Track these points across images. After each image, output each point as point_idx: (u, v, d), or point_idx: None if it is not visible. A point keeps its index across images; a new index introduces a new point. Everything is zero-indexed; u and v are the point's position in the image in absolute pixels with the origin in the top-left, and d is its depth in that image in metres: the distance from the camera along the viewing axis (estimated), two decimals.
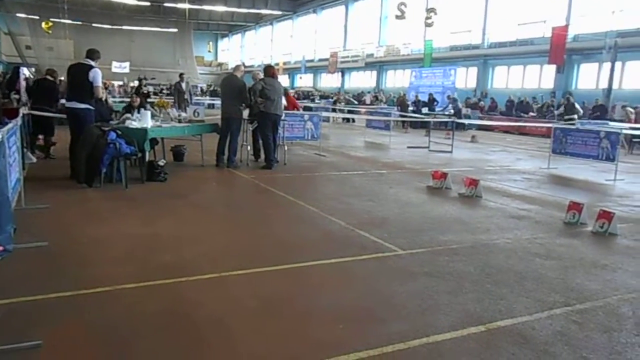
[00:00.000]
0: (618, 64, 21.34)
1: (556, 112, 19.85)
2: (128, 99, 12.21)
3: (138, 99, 10.27)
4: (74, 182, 7.35)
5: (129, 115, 8.59)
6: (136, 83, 31.48)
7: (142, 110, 8.73)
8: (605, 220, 5.89)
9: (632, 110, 18.31)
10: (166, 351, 2.95)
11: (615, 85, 21.30)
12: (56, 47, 41.74)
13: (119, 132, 7.42)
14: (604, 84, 21.76)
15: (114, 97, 23.01)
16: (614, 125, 14.40)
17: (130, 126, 7.88)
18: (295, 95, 23.29)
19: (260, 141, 10.02)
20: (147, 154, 8.03)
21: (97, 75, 7.55)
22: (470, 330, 3.32)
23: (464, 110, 23.15)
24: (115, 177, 7.47)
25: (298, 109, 12.94)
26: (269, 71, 9.97)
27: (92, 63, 7.62)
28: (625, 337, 3.34)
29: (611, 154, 10.14)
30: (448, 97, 24.43)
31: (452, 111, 21.37)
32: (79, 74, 7.60)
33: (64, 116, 9.21)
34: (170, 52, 54.58)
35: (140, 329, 3.19)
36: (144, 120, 8.10)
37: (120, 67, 47.60)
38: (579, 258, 4.95)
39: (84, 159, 7.14)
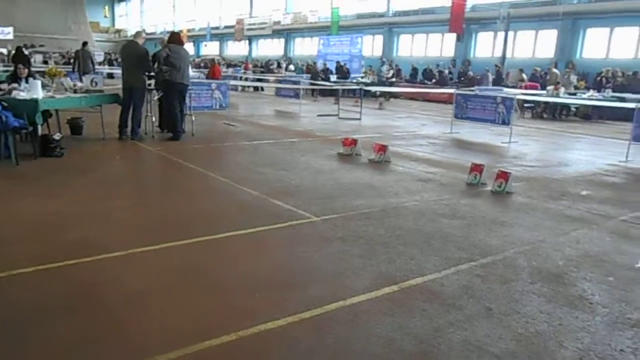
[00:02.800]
0: (511, 34, 22.69)
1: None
2: (12, 68, 11.09)
3: (26, 70, 9.37)
4: None
5: (15, 85, 7.81)
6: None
7: (30, 79, 7.98)
8: (503, 180, 6.31)
9: (525, 76, 19.61)
10: (75, 333, 2.77)
11: (508, 54, 22.69)
12: None
13: (5, 104, 6.74)
14: (498, 53, 23.09)
15: None
16: (508, 91, 15.35)
17: (18, 97, 7.18)
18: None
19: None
20: (39, 127, 7.39)
21: None
22: (384, 291, 3.44)
23: (371, 79, 23.59)
24: (4, 153, 6.81)
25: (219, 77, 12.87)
26: (175, 37, 9.49)
27: None
28: (521, 286, 3.63)
29: (506, 118, 10.82)
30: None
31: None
32: None
33: None
34: (61, 17, 50.12)
35: (42, 314, 2.96)
36: (33, 91, 7.41)
37: (2, 32, 43.08)
38: (481, 216, 5.28)
39: None
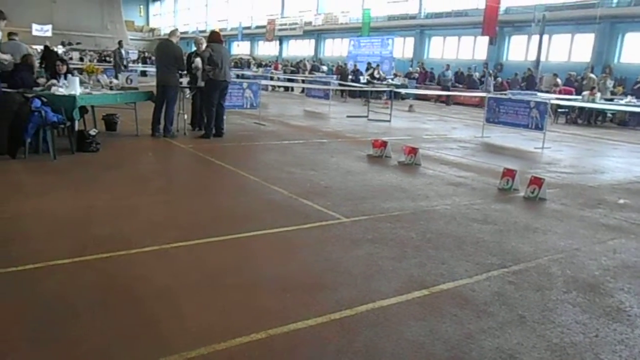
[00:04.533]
0: (545, 37, 22.23)
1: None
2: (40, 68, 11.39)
3: (65, 66, 9.62)
4: None
5: (54, 81, 8.03)
6: (60, 48, 29.36)
7: (69, 76, 8.19)
8: (536, 186, 6.18)
9: (559, 80, 19.19)
10: (108, 327, 2.82)
11: (542, 58, 22.24)
12: None
13: (44, 100, 6.93)
14: (532, 56, 22.65)
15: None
16: (542, 95, 15.05)
17: (57, 93, 7.38)
18: None
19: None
20: (76, 122, 7.57)
21: None
22: (415, 295, 3.40)
23: (401, 80, 23.49)
24: (42, 147, 7.01)
25: None
26: (214, 36, 9.63)
27: None
28: (555, 294, 3.54)
29: (540, 123, 10.60)
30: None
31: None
32: None
33: None
34: (98, 16, 51.49)
35: (78, 306, 3.02)
36: (71, 87, 7.61)
37: (41, 30, 44.30)
38: (513, 222, 5.18)
39: (5, 128, 6.64)
